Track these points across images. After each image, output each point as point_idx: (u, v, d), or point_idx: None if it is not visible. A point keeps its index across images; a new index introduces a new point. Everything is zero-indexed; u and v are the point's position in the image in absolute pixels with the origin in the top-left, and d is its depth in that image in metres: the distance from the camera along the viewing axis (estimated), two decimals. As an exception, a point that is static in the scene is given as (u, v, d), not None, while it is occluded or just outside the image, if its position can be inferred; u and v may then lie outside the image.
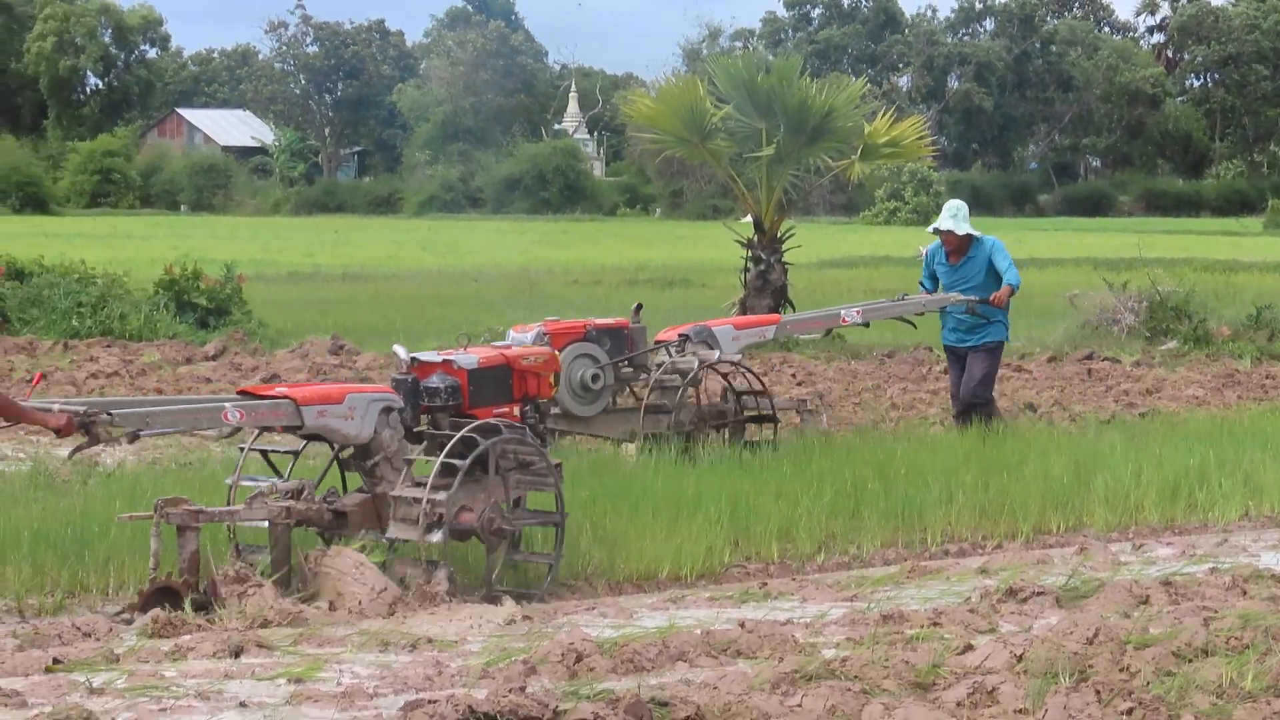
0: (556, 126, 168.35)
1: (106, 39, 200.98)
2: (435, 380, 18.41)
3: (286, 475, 18.19)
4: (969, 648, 13.93)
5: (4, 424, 16.63)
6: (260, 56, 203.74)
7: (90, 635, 15.25)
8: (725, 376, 24.52)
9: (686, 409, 23.72)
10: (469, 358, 18.83)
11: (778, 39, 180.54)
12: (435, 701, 11.68)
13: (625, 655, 14.02)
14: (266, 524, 17.45)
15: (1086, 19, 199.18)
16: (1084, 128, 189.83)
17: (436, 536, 17.44)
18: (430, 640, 15.22)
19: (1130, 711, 12.18)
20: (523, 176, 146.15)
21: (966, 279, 25.04)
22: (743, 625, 15.27)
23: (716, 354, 23.67)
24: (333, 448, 18.38)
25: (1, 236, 51.16)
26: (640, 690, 12.31)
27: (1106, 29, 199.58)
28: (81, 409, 16.39)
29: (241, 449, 18.33)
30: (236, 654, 14.48)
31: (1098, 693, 12.47)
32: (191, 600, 16.42)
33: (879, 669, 13.24)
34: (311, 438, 18.04)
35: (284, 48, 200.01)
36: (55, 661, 14.03)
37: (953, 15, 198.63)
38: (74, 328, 38.88)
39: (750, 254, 45.59)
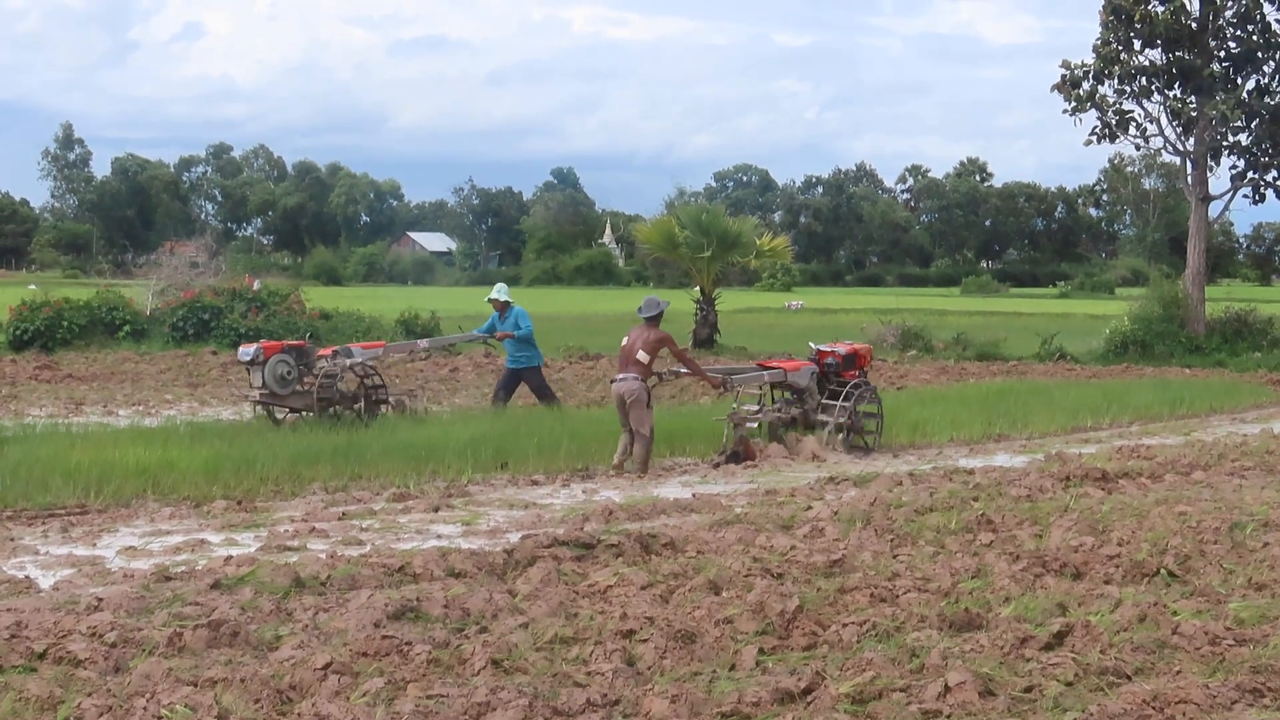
0: (599, 241, 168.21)
1: (371, 196, 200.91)
2: (830, 359, 21.48)
3: (759, 403, 21.00)
4: (810, 507, 13.88)
5: (680, 376, 20.71)
6: (449, 205, 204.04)
7: (360, 501, 15.22)
8: (360, 374, 23.35)
9: (338, 391, 22.87)
10: (841, 348, 21.87)
11: (712, 195, 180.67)
12: (536, 534, 11.64)
13: (634, 511, 14.04)
14: (762, 420, 20.51)
15: (870, 187, 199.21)
16: (869, 242, 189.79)
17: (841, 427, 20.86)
18: (536, 503, 15.22)
19: (892, 540, 12.14)
20: (583, 267, 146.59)
21: (507, 329, 23.95)
22: (694, 495, 15.27)
23: (347, 361, 22.82)
24: (770, 387, 20.99)
25: (318, 295, 50.84)
26: (642, 529, 12.27)
27: (881, 191, 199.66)
28: (720, 374, 20.32)
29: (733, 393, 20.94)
30: (437, 510, 14.48)
31: (876, 530, 12.44)
32: (731, 454, 19.45)
33: (764, 518, 13.20)
34: (782, 387, 20.97)
35: (461, 201, 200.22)
36: (343, 514, 14.01)
37: (801, 183, 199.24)
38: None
39: (698, 307, 45.88)
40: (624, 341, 19.17)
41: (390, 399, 23.55)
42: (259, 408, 22.86)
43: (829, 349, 21.79)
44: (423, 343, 26.61)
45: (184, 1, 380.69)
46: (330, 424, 21.52)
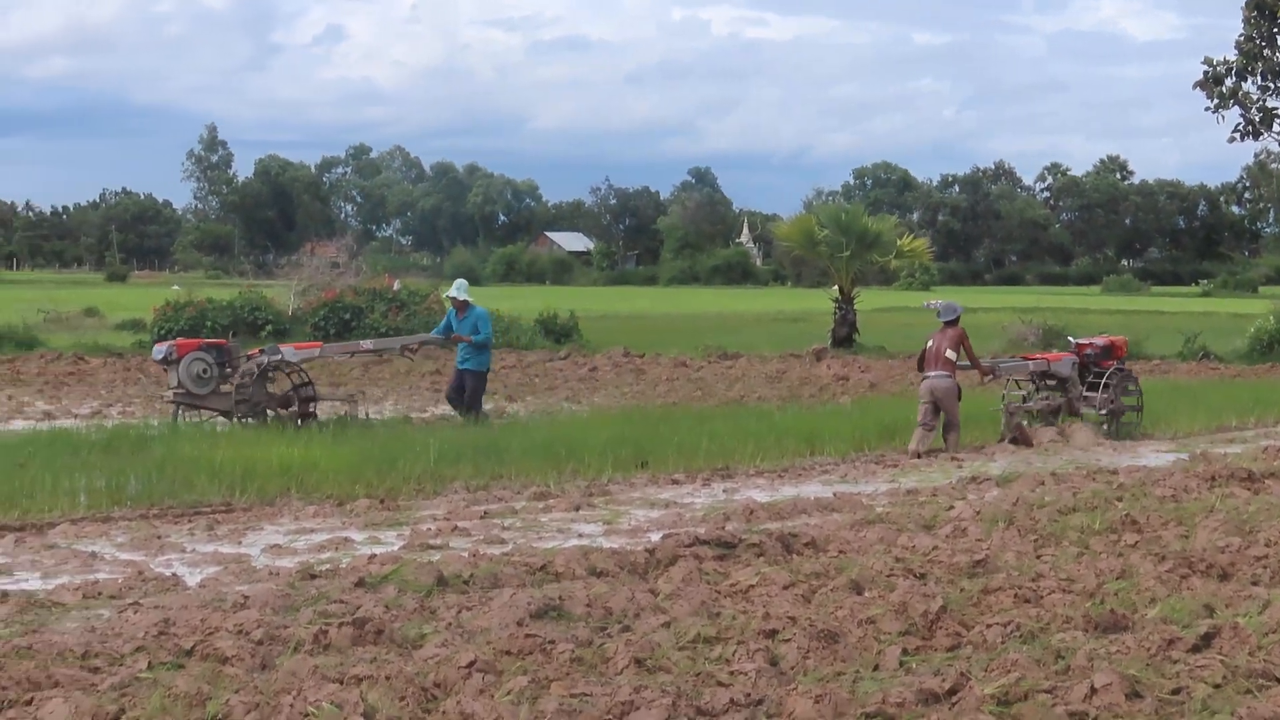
0: (736, 240, 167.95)
1: (509, 196, 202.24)
2: (1089, 350, 22.98)
3: (1026, 393, 22.72)
4: (952, 506, 13.84)
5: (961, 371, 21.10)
6: (585, 205, 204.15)
7: (501, 500, 15.30)
8: (288, 375, 21.93)
9: (262, 392, 21.43)
10: (1099, 340, 23.58)
11: (850, 194, 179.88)
12: (678, 533, 11.66)
13: (775, 510, 14.05)
14: (1032, 409, 22.33)
15: (1009, 185, 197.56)
16: (1008, 239, 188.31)
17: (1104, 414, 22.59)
18: (676, 502, 15.25)
19: (1035, 540, 12.06)
20: (720, 266, 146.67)
21: (464, 329, 22.55)
22: (835, 495, 15.22)
23: (268, 359, 21.33)
24: (1034, 377, 22.67)
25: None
26: (783, 528, 12.26)
27: (1019, 189, 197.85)
28: (990, 364, 22.14)
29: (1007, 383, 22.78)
30: (578, 508, 14.53)
31: (1019, 531, 12.36)
32: (1011, 439, 21.11)
33: (905, 517, 13.16)
34: (1046, 376, 22.60)
35: (599, 201, 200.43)
36: (485, 513, 14.10)
37: (939, 181, 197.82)
38: (495, 343, 39.06)
39: (836, 306, 45.53)
40: (928, 345, 21.08)
41: (320, 400, 22.42)
42: (179, 409, 21.83)
43: (1087, 341, 23.54)
44: (366, 343, 25.54)
45: (326, 5, 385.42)
46: (260, 426, 20.64)
